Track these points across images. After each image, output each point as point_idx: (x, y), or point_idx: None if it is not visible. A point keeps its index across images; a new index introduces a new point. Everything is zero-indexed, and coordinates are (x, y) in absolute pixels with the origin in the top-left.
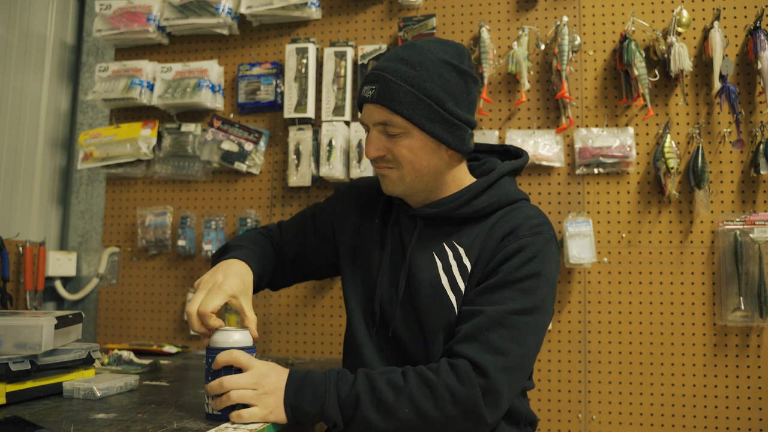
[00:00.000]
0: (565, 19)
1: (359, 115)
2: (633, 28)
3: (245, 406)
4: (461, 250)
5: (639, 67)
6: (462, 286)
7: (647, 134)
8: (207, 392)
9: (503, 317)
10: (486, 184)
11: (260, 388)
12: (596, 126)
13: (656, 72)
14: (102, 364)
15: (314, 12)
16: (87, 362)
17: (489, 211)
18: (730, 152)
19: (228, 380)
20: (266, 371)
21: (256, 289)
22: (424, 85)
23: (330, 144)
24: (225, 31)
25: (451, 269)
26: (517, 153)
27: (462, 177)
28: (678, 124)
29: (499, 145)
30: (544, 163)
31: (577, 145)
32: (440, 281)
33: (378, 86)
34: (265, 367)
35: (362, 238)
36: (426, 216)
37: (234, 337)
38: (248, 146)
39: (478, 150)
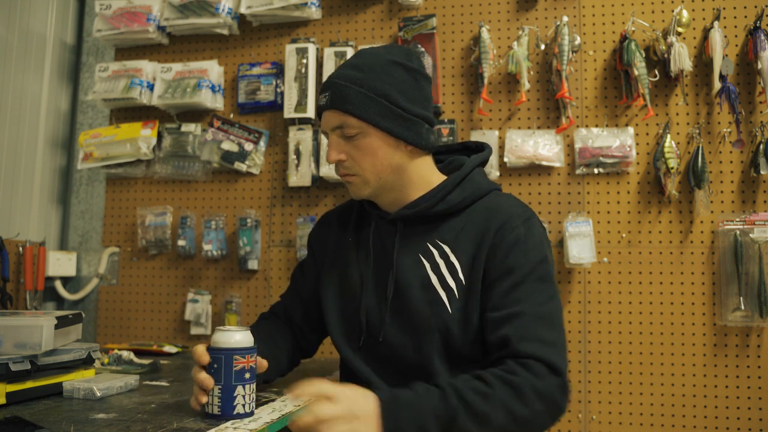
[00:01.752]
0: (565, 19)
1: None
2: (633, 28)
3: None
4: (446, 248)
5: (639, 67)
6: (452, 283)
7: (647, 134)
8: (206, 391)
9: (539, 311)
10: (458, 179)
11: (353, 418)
12: (596, 126)
13: (656, 72)
14: (102, 364)
15: (314, 12)
16: (87, 362)
17: (464, 205)
18: (730, 152)
19: (322, 412)
20: (352, 396)
21: (279, 366)
22: (372, 85)
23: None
24: (225, 31)
25: (439, 268)
26: (478, 147)
27: (429, 174)
28: (678, 124)
29: (457, 143)
30: (544, 163)
31: (577, 145)
32: (431, 281)
33: (330, 92)
34: (349, 392)
35: (340, 258)
36: (404, 218)
37: (235, 338)
38: (248, 146)
39: (438, 152)
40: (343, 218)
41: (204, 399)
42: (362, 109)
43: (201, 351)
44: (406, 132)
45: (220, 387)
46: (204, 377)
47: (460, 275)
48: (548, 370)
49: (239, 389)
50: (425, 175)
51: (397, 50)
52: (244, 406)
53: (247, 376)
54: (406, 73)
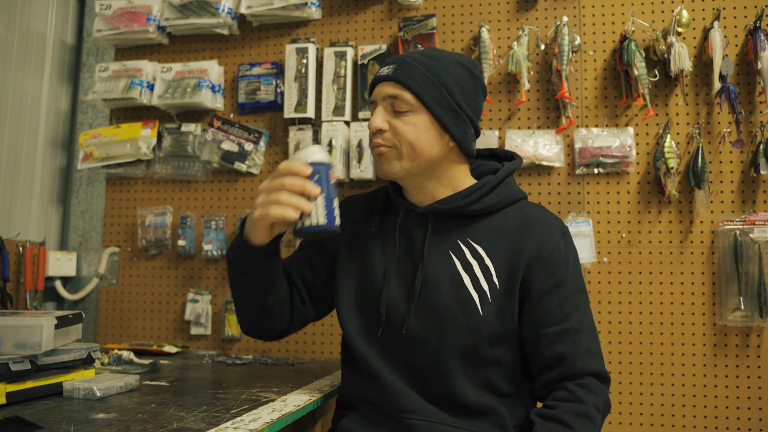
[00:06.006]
0: (565, 19)
1: (367, 99)
2: (633, 28)
3: None
4: (479, 249)
5: (639, 67)
6: (485, 286)
7: (647, 134)
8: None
9: (586, 323)
10: (495, 183)
11: None
12: (596, 126)
13: (656, 72)
14: (102, 364)
15: (314, 12)
16: (87, 362)
17: (497, 208)
18: (730, 152)
19: None
20: None
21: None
22: (438, 73)
23: (330, 144)
24: (225, 31)
25: (472, 269)
26: (507, 155)
27: (462, 178)
28: (678, 124)
29: (485, 149)
30: (544, 163)
31: (577, 145)
32: (462, 280)
33: (396, 66)
34: None
35: (361, 246)
36: (436, 212)
37: (328, 155)
38: (248, 146)
39: None
40: (369, 204)
41: (309, 207)
42: (422, 89)
43: (300, 163)
44: (454, 126)
45: (324, 196)
46: (313, 185)
47: (495, 279)
48: (600, 382)
49: (336, 201)
50: (458, 177)
51: (466, 57)
52: (336, 218)
53: (336, 191)
54: (469, 77)
